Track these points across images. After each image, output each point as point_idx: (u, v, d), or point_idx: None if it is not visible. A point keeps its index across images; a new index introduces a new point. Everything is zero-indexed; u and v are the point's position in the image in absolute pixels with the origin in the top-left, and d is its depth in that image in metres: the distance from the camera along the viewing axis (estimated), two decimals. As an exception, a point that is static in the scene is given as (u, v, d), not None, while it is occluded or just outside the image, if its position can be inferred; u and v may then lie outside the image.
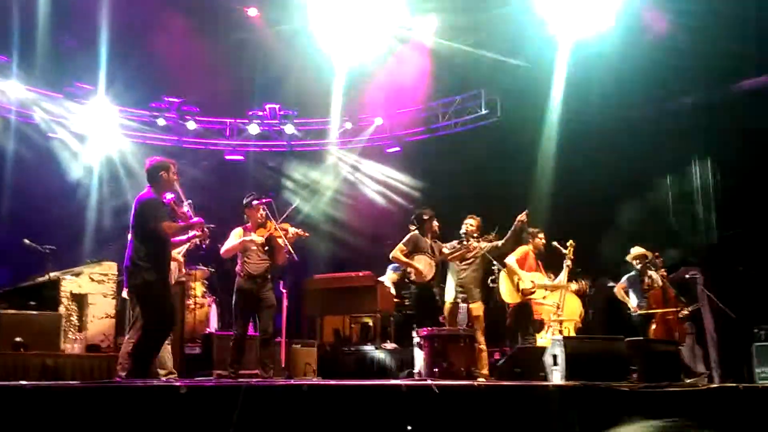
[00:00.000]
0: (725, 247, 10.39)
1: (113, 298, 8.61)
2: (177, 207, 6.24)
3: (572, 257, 8.69)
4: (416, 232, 8.32)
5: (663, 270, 9.37)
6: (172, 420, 4.19)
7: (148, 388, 4.58)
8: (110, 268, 8.70)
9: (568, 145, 11.48)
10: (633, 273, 9.56)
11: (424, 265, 8.11)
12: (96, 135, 12.70)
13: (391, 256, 8.38)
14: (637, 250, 9.51)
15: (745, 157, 10.36)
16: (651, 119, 11.03)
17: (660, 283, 9.16)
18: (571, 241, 8.78)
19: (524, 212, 8.37)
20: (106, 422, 4.08)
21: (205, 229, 6.51)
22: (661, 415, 5.41)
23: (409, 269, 8.28)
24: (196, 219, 6.26)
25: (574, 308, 8.90)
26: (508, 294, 8.76)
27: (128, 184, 12.37)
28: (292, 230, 7.70)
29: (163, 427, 4.17)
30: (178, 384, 4.63)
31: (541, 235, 8.96)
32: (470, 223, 8.44)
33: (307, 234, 7.98)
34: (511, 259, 8.71)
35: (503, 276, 8.80)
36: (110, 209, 12.35)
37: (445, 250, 8.32)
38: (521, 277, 8.69)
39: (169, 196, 6.22)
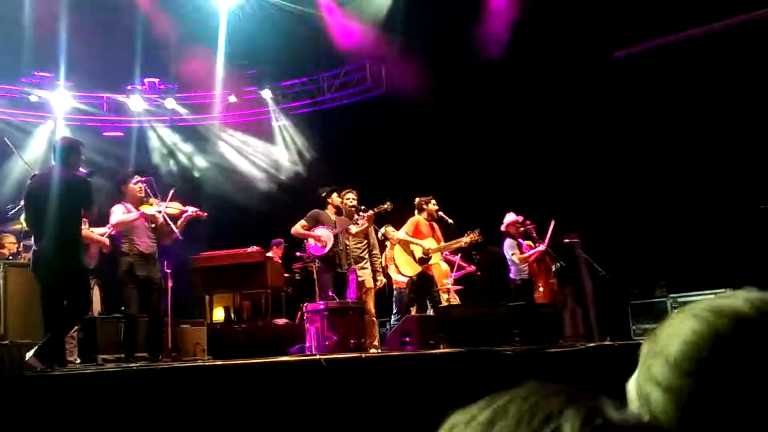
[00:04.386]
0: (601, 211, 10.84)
1: None
2: None
3: (448, 219, 8.79)
4: (317, 209, 8.37)
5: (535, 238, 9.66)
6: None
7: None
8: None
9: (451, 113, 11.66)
10: (509, 239, 9.68)
11: (323, 234, 8.15)
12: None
13: (291, 231, 8.39)
14: (510, 218, 9.61)
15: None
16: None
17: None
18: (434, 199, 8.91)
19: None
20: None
21: None
22: (543, 376, 5.62)
23: (310, 240, 8.30)
24: None
25: (440, 274, 9.02)
26: (406, 266, 8.70)
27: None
28: (190, 209, 7.50)
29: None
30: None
31: (434, 201, 8.93)
32: (351, 197, 8.51)
33: (204, 214, 7.80)
34: (401, 233, 8.75)
35: (397, 251, 8.80)
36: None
37: (353, 228, 8.33)
38: (413, 247, 8.76)
39: None
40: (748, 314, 0.88)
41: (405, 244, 8.69)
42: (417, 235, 8.74)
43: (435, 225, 8.90)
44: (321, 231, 8.23)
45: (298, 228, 8.29)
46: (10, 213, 7.30)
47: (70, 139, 6.32)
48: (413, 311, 8.58)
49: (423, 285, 8.71)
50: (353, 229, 8.33)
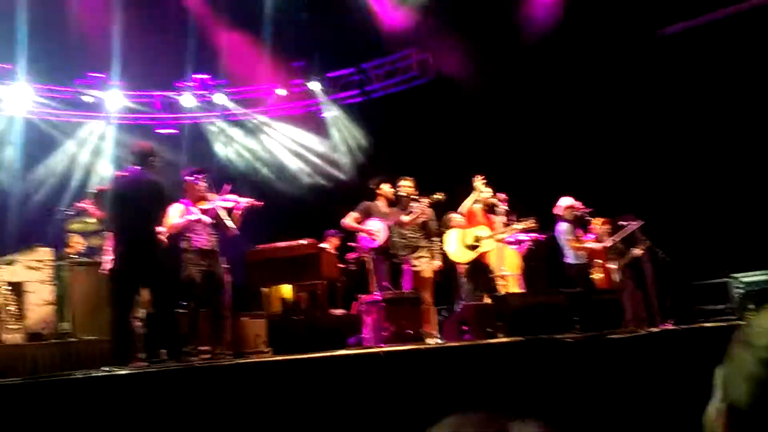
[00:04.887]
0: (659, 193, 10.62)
1: (51, 284, 8.39)
2: None
3: (503, 204, 8.69)
4: (368, 201, 8.37)
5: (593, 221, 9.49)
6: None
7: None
8: (45, 254, 8.46)
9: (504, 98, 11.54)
10: (565, 225, 9.40)
11: (375, 227, 8.15)
12: (16, 115, 12.29)
13: (342, 223, 8.41)
14: (565, 202, 9.35)
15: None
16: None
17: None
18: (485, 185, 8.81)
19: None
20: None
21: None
22: (604, 363, 5.55)
23: (361, 233, 8.31)
24: None
25: (513, 261, 8.95)
26: (459, 253, 8.64)
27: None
28: (243, 200, 7.55)
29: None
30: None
31: (487, 189, 8.77)
32: (406, 185, 8.45)
33: (260, 203, 7.84)
34: (456, 220, 8.69)
35: (451, 236, 8.73)
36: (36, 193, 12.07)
37: (404, 218, 8.29)
38: (465, 234, 8.64)
39: None
40: None
41: (457, 231, 8.62)
42: (471, 223, 8.69)
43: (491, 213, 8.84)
44: (373, 224, 8.22)
45: (349, 221, 8.30)
46: (66, 215, 7.46)
47: (149, 144, 6.75)
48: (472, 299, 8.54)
49: (478, 272, 8.64)
50: (405, 218, 8.28)
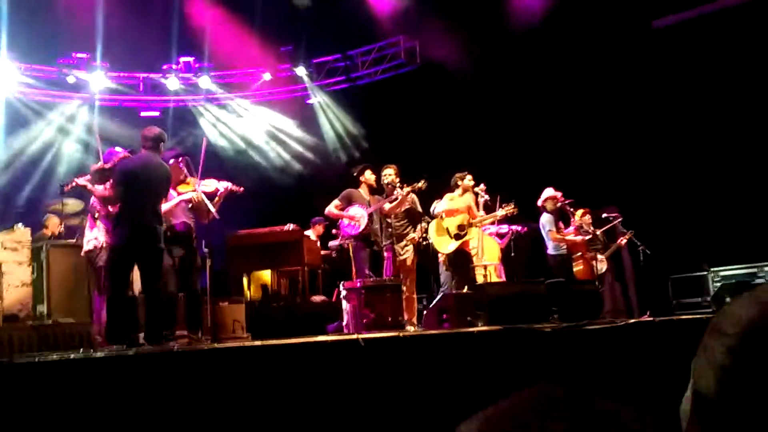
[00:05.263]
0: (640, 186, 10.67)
1: (28, 266, 8.30)
2: None
3: (484, 192, 8.72)
4: (350, 188, 8.41)
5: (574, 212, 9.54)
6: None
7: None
8: (23, 234, 8.37)
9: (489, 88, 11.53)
10: (547, 215, 9.56)
11: (357, 213, 8.16)
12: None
13: (325, 211, 8.45)
14: (548, 193, 9.49)
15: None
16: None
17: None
18: (469, 175, 8.81)
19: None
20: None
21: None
22: (582, 353, 5.58)
23: (344, 219, 8.37)
24: None
25: (493, 251, 8.99)
26: (443, 243, 8.67)
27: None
28: (223, 185, 7.50)
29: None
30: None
31: (469, 177, 8.87)
32: (389, 173, 8.43)
33: (241, 189, 7.80)
34: (440, 207, 8.70)
35: (432, 228, 8.75)
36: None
37: (387, 205, 8.29)
38: (449, 223, 8.66)
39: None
40: None
41: (441, 220, 8.63)
42: (452, 212, 8.69)
43: (471, 201, 8.83)
44: (354, 210, 8.23)
45: (331, 208, 8.35)
46: (63, 189, 7.29)
47: (159, 129, 6.90)
48: (452, 288, 8.54)
49: (459, 261, 8.66)
50: (387, 206, 8.29)
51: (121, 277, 6.49)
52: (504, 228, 9.41)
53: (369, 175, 8.46)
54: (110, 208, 6.88)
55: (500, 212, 8.63)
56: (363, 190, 8.41)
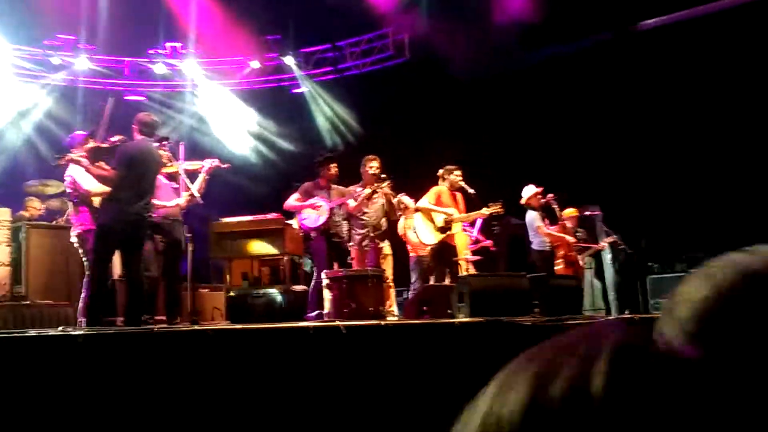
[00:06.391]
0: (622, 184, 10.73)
1: (7, 246, 8.20)
2: None
3: (469, 189, 8.75)
4: (309, 182, 8.47)
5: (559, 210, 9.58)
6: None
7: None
8: (2, 214, 8.27)
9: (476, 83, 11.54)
10: (532, 212, 9.63)
11: (317, 202, 8.20)
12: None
13: (284, 205, 8.47)
14: (531, 190, 9.50)
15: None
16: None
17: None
18: (458, 170, 8.83)
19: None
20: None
21: None
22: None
23: (303, 213, 8.46)
24: None
25: (461, 244, 8.99)
26: (428, 234, 8.61)
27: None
28: (208, 162, 7.47)
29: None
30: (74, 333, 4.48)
31: (457, 172, 8.83)
32: (375, 166, 8.46)
33: (226, 165, 7.78)
34: (423, 202, 8.68)
35: (418, 219, 8.75)
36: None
37: (351, 202, 8.34)
38: (435, 215, 8.64)
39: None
40: (760, 270, 0.83)
41: (427, 213, 8.61)
42: (439, 205, 8.69)
43: (458, 195, 8.84)
44: (317, 201, 8.25)
45: (291, 201, 8.39)
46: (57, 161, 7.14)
47: (153, 116, 7.12)
48: (432, 280, 8.55)
49: (444, 254, 8.67)
50: (351, 203, 8.34)
51: (105, 259, 6.54)
52: (475, 235, 9.48)
53: (333, 168, 8.46)
54: (93, 190, 6.80)
55: (487, 210, 8.66)
56: (323, 183, 8.42)
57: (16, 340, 4.17)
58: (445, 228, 8.57)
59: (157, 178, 7.10)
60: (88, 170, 6.71)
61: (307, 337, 4.97)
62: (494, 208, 8.57)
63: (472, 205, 8.79)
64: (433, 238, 8.58)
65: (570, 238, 9.44)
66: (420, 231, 8.63)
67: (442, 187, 8.77)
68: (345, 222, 8.54)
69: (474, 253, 9.48)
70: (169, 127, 12.57)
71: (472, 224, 9.41)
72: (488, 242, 9.73)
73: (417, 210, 8.71)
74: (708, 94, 10.06)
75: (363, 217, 8.51)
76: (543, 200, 9.45)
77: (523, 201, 9.51)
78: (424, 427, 4.36)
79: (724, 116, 9.99)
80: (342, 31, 13.20)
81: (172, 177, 7.39)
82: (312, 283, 8.14)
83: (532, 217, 9.48)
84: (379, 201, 8.52)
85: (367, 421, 4.65)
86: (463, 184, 8.73)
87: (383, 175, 8.43)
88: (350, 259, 8.41)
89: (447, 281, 8.34)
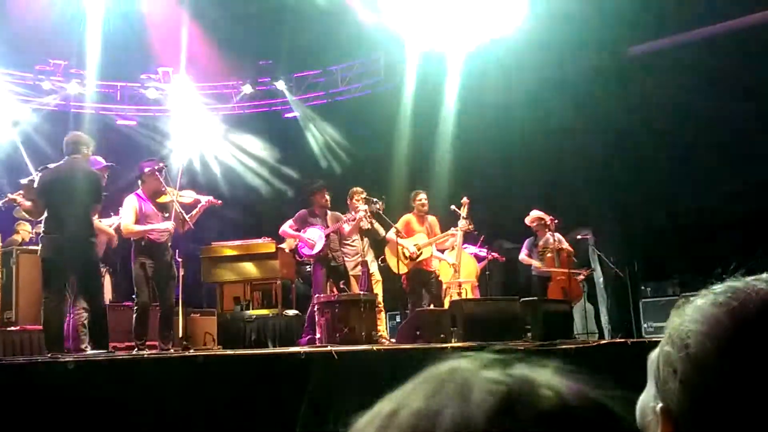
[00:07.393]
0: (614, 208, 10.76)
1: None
2: None
3: (467, 216, 8.75)
4: (304, 209, 8.49)
5: (558, 233, 9.58)
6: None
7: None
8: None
9: (468, 111, 11.59)
10: (531, 237, 9.67)
11: (313, 235, 8.20)
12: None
13: (280, 231, 8.52)
14: (534, 214, 9.56)
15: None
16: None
17: (551, 246, 9.32)
18: (465, 198, 8.84)
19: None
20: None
21: None
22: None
23: (296, 242, 8.51)
24: None
25: (470, 269, 9.03)
26: (398, 265, 8.57)
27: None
28: (204, 198, 7.47)
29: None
30: (65, 360, 4.44)
31: (420, 196, 8.88)
32: (363, 196, 8.58)
33: (219, 202, 7.81)
34: (391, 233, 8.67)
35: (387, 251, 8.79)
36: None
37: (346, 226, 8.37)
38: (404, 246, 8.59)
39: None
40: None
41: (393, 245, 8.60)
42: (408, 232, 8.71)
43: (429, 218, 8.86)
44: (311, 233, 8.27)
45: (286, 228, 8.46)
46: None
47: (81, 134, 6.72)
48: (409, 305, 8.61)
49: (418, 281, 8.69)
50: (346, 228, 8.36)
51: (53, 289, 6.27)
52: (483, 252, 9.54)
53: (327, 195, 8.50)
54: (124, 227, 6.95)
55: (453, 230, 8.75)
56: (317, 211, 8.45)
57: (5, 366, 4.13)
58: (413, 257, 8.60)
59: (148, 205, 7.10)
60: (22, 206, 6.71)
61: (299, 363, 4.94)
62: (463, 227, 8.61)
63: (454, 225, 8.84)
64: (402, 267, 8.57)
65: (556, 270, 9.38)
66: (390, 262, 8.70)
67: (409, 216, 8.81)
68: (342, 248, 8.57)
69: (483, 268, 9.46)
70: (160, 153, 12.54)
71: (475, 243, 9.45)
72: (496, 255, 9.76)
73: (388, 240, 8.74)
74: (697, 116, 10.11)
75: (353, 243, 8.58)
76: (542, 223, 9.39)
77: (527, 221, 9.56)
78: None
79: (713, 139, 10.03)
80: (333, 55, 13.25)
81: (164, 207, 7.33)
82: (309, 309, 8.11)
83: (530, 240, 9.59)
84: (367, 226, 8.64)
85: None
86: (454, 207, 8.80)
87: (374, 198, 8.48)
88: (342, 284, 8.40)
89: (429, 305, 8.35)
